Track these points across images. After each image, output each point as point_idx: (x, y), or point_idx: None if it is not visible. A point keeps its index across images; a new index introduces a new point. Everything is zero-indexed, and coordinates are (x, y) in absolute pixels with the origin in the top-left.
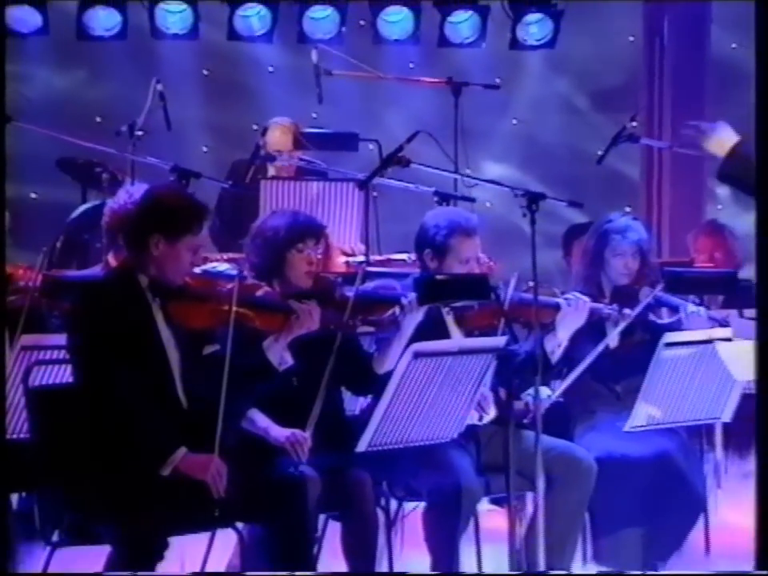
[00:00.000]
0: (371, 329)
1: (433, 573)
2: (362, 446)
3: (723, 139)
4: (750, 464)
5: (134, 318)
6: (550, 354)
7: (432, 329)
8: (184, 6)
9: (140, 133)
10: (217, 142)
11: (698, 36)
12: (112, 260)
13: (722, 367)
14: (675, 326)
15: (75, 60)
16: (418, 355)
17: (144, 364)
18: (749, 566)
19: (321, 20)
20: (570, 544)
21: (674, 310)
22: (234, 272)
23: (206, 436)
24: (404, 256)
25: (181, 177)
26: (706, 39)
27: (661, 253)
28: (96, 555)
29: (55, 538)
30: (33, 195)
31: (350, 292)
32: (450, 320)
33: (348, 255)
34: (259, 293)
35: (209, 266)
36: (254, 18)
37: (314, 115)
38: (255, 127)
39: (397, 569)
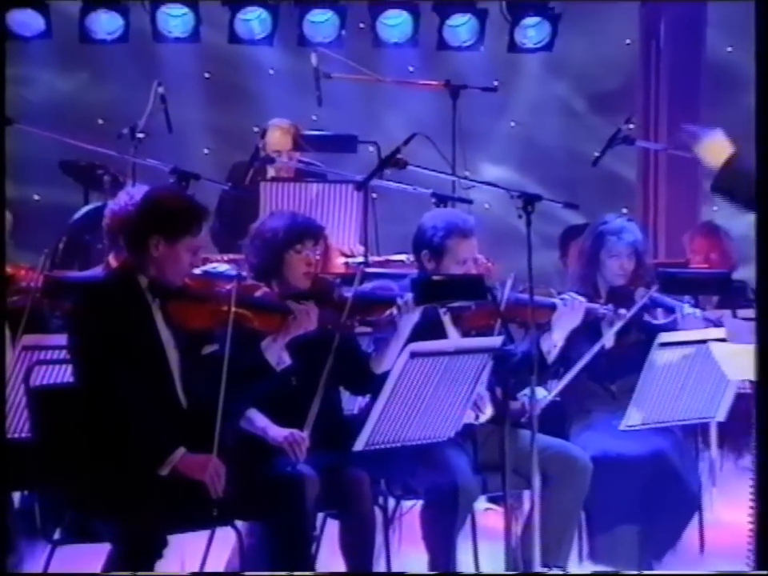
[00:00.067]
0: (369, 329)
1: (432, 573)
2: (359, 445)
3: (717, 148)
4: (745, 462)
5: (133, 318)
6: (546, 353)
7: (429, 329)
8: (185, 9)
9: (141, 135)
10: (218, 144)
11: (693, 39)
12: (113, 261)
13: (716, 367)
14: (670, 327)
15: (78, 63)
16: (414, 355)
17: (144, 364)
18: (743, 563)
19: (321, 23)
20: (565, 542)
21: (670, 310)
22: (233, 273)
23: (206, 435)
24: (403, 257)
25: (180, 179)
26: (701, 42)
27: (657, 254)
28: (97, 553)
29: (56, 535)
30: (36, 197)
31: (347, 293)
32: (447, 320)
33: (347, 256)
34: (258, 293)
35: (209, 267)
36: (254, 21)
37: (314, 117)
38: (256, 129)
39: (394, 566)
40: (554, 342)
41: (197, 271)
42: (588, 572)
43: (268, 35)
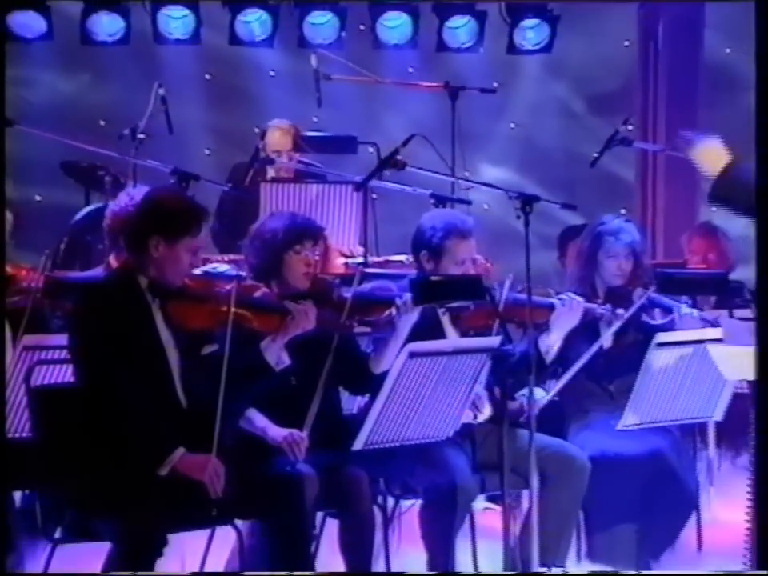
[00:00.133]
0: (368, 329)
1: (431, 573)
2: (358, 445)
3: (713, 156)
4: (742, 462)
5: (133, 318)
6: (544, 353)
7: (428, 329)
8: (186, 11)
9: (142, 136)
10: (219, 144)
11: (691, 40)
12: (114, 261)
13: (713, 367)
14: (668, 327)
15: (79, 65)
16: (413, 355)
17: (144, 364)
18: (740, 562)
19: (321, 25)
20: (563, 541)
21: (667, 311)
22: (233, 273)
23: (205, 435)
24: (402, 257)
25: (180, 179)
26: (699, 43)
27: (655, 254)
28: (97, 552)
29: (57, 534)
30: (37, 198)
31: (347, 293)
32: (445, 320)
33: (347, 257)
34: (257, 294)
35: (209, 267)
36: (255, 23)
37: (315, 119)
38: (257, 130)
39: (394, 565)
40: (552, 341)
41: (197, 271)
42: (586, 571)
43: (268, 37)
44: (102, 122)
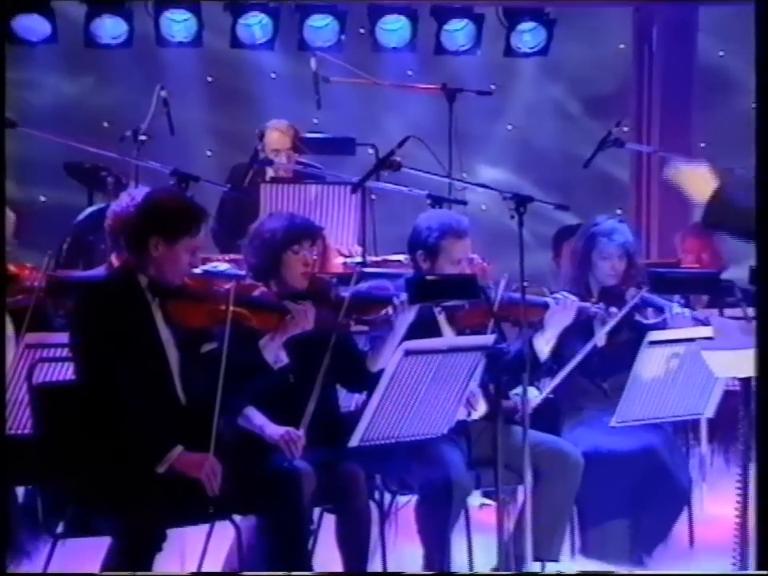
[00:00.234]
0: (365, 328)
1: (428, 573)
2: (354, 441)
3: (700, 182)
4: (735, 458)
5: (133, 317)
6: (538, 352)
7: (425, 328)
8: (188, 14)
9: (143, 137)
10: (220, 146)
11: (685, 43)
12: (115, 261)
13: (705, 365)
14: (660, 326)
15: (83, 67)
16: (409, 353)
17: (143, 362)
18: (731, 557)
19: (321, 28)
20: (557, 536)
21: (660, 310)
22: (232, 272)
23: (204, 432)
24: (400, 257)
25: (180, 180)
26: (693, 47)
27: (650, 254)
28: (98, 546)
29: (59, 529)
30: (42, 198)
31: (344, 292)
32: (442, 319)
33: (345, 256)
34: (256, 293)
35: (209, 266)
36: (255, 26)
37: (315, 121)
38: (257, 131)
39: (390, 560)
40: (546, 340)
41: (197, 270)
42: (581, 571)
43: (269, 40)
44: (105, 124)
